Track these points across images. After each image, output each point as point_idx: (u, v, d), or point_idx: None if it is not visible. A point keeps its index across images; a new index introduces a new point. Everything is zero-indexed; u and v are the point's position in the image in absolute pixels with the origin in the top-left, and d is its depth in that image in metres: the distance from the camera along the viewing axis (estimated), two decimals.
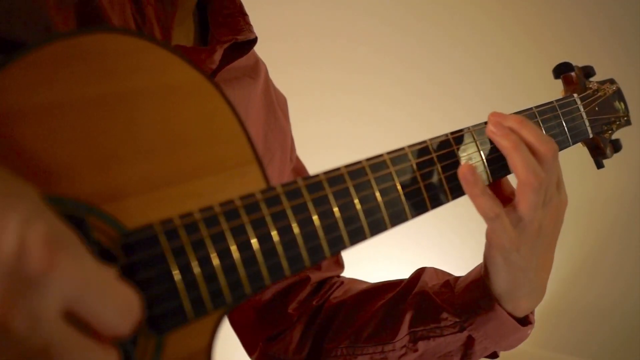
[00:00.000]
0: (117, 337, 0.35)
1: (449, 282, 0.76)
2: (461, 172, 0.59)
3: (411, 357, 0.76)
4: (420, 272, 0.81)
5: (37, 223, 0.32)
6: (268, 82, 0.88)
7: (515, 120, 0.62)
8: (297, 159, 0.94)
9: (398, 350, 0.76)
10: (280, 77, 0.95)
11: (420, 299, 0.76)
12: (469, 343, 0.73)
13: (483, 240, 0.66)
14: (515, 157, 0.60)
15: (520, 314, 0.70)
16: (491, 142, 0.64)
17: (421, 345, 0.75)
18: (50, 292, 0.32)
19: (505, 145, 0.61)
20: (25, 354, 0.31)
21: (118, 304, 0.35)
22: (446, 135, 0.63)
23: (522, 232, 0.61)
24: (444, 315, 0.73)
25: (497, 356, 0.76)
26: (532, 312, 0.72)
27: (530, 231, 0.62)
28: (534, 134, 0.61)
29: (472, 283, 0.72)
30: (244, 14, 0.75)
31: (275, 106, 0.88)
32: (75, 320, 0.33)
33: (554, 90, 0.85)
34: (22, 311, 0.31)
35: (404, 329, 0.76)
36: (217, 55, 0.69)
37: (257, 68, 0.84)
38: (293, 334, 0.85)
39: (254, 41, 0.75)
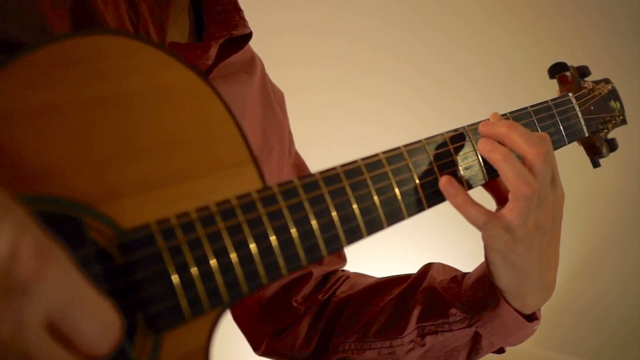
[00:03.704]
0: (95, 356, 0.35)
1: (456, 277, 0.77)
2: (441, 184, 0.60)
3: (418, 352, 0.76)
4: (427, 268, 0.81)
5: (30, 234, 0.32)
6: (265, 77, 0.88)
7: (504, 126, 0.62)
8: (297, 154, 0.94)
9: (406, 345, 0.77)
10: (279, 75, 0.95)
11: (429, 294, 0.77)
12: (476, 339, 0.73)
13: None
14: (505, 168, 0.60)
15: (528, 310, 0.70)
16: None
17: (429, 340, 0.75)
18: (36, 300, 0.32)
19: (495, 158, 0.61)
20: (4, 359, 0.31)
21: (99, 322, 0.35)
22: (442, 134, 0.63)
23: (516, 234, 0.62)
24: (453, 310, 0.73)
25: (503, 351, 0.77)
26: (539, 310, 0.72)
27: (524, 232, 0.62)
28: (522, 137, 0.61)
29: (479, 280, 0.72)
30: (238, 10, 0.75)
31: (272, 101, 0.88)
32: (56, 333, 0.34)
33: (554, 88, 0.85)
34: (7, 316, 0.31)
35: (412, 323, 0.76)
36: (213, 51, 0.69)
37: (253, 63, 0.84)
38: (300, 329, 0.85)
39: (249, 36, 0.75)
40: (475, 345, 0.74)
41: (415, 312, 0.76)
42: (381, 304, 0.80)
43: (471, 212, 0.60)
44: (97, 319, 0.35)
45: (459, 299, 0.74)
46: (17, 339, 0.31)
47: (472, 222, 0.60)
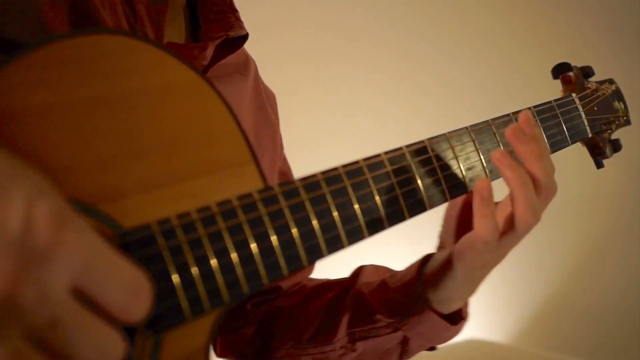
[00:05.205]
0: (128, 320, 0.35)
1: (385, 281, 0.75)
2: (478, 185, 0.57)
3: (351, 357, 0.77)
4: (358, 272, 0.81)
5: (44, 199, 0.32)
6: (258, 78, 0.88)
7: (533, 147, 0.60)
8: (284, 160, 0.93)
9: (338, 350, 0.77)
10: (274, 74, 0.95)
11: (356, 300, 0.76)
12: (405, 341, 0.73)
13: None
14: (519, 194, 0.58)
15: (451, 310, 0.69)
16: (490, 142, 0.64)
17: (360, 345, 0.75)
18: (58, 267, 0.32)
19: (509, 176, 0.59)
20: (33, 328, 0.31)
21: (126, 283, 0.34)
22: (444, 135, 0.63)
23: (498, 256, 0.62)
24: (378, 316, 0.73)
25: (435, 349, 0.77)
26: (466, 306, 0.71)
27: (500, 256, 0.62)
28: (546, 172, 0.60)
29: (406, 285, 0.71)
30: (234, 10, 0.75)
31: (265, 103, 0.88)
32: (84, 298, 0.33)
33: (558, 88, 0.85)
34: (30, 285, 0.31)
35: (342, 330, 0.76)
36: (209, 52, 0.69)
37: (247, 65, 0.85)
38: (247, 331, 0.85)
39: (245, 37, 0.76)
40: (404, 347, 0.74)
41: (345, 319, 0.76)
42: (315, 309, 0.80)
43: (489, 226, 0.57)
44: (123, 280, 0.34)
45: (385, 303, 0.73)
46: (42, 306, 0.31)
47: (482, 235, 0.58)
